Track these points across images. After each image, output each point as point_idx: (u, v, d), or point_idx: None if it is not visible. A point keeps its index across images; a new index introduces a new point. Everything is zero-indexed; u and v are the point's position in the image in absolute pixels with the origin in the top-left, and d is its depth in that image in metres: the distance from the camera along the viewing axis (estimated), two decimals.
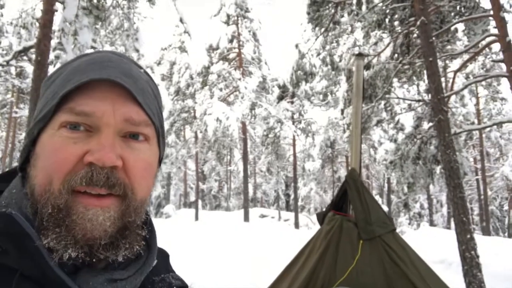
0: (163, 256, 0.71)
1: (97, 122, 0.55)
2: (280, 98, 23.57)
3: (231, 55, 23.67)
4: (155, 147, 0.62)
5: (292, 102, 23.88)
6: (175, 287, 0.69)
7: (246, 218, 20.31)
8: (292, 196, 35.43)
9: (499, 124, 10.35)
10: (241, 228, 14.92)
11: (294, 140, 25.09)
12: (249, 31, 23.76)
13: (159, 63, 28.16)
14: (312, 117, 25.62)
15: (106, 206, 0.54)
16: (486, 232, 24.05)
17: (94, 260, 0.54)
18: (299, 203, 27.69)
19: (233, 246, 10.82)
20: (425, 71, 9.00)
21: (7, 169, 0.68)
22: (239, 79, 21.56)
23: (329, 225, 2.91)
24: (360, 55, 3.34)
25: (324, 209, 3.43)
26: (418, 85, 12.74)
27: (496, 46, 8.42)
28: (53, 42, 6.45)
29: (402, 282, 2.60)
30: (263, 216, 27.37)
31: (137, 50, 11.20)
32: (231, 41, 23.44)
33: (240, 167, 32.97)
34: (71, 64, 0.62)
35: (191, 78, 25.08)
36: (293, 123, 24.22)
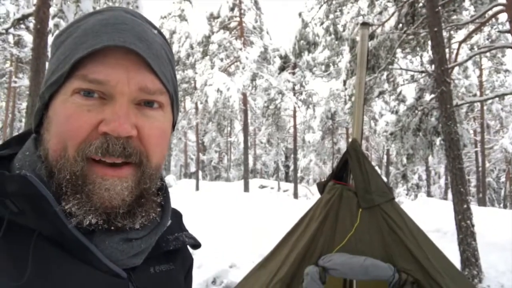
0: (176, 216, 0.73)
1: (111, 90, 0.54)
2: (282, 69, 23.29)
3: (232, 24, 23.20)
4: (169, 113, 0.62)
5: (293, 73, 23.63)
6: (188, 245, 0.72)
7: (246, 188, 20.57)
8: (291, 167, 35.70)
9: (502, 96, 10.29)
10: (241, 198, 15.14)
11: (294, 111, 25.02)
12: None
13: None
14: (314, 89, 25.44)
15: (123, 176, 0.55)
16: (482, 203, 24.40)
17: (112, 227, 0.55)
18: (299, 174, 27.94)
19: (234, 216, 11.02)
20: (429, 42, 8.86)
21: (9, 137, 0.68)
22: (240, 49, 21.23)
23: (330, 194, 2.97)
24: (365, 24, 3.28)
25: (324, 179, 3.48)
26: (421, 56, 12.57)
27: (503, 16, 8.26)
28: (52, 10, 6.30)
29: (400, 248, 2.68)
30: (262, 186, 27.70)
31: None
32: (232, 9, 22.90)
33: (240, 139, 33.02)
34: (82, 22, 0.59)
35: (191, 47, 24.69)
36: (294, 95, 24.06)
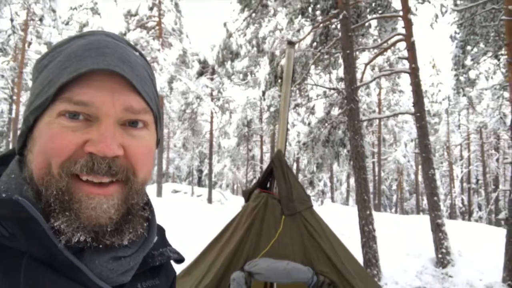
0: (160, 231, 0.74)
1: (97, 112, 0.55)
2: (200, 73, 23.20)
3: (150, 24, 22.48)
4: (153, 131, 0.64)
5: (212, 79, 23.69)
6: (173, 260, 0.74)
7: (159, 193, 19.98)
8: (204, 172, 35.56)
9: (397, 115, 11.58)
10: (154, 203, 14.67)
11: (211, 117, 25.07)
12: (171, 1, 22.75)
13: (66, 23, 25.58)
14: (231, 95, 25.74)
15: (109, 194, 0.55)
16: (377, 208, 27.03)
17: (100, 246, 0.56)
18: (213, 179, 27.97)
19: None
20: (340, 61, 9.66)
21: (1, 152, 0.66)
22: (158, 50, 20.66)
23: (255, 202, 3.10)
24: (291, 43, 3.52)
25: (249, 187, 3.61)
26: (330, 74, 13.61)
27: (402, 45, 9.38)
28: None
29: (317, 252, 2.91)
30: (175, 191, 27.14)
31: (53, 11, 10.04)
32: (151, 8, 22.20)
33: None
34: (65, 47, 0.60)
35: None
36: (212, 100, 24.13)
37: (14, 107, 22.37)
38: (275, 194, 3.16)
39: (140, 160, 0.59)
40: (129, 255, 0.60)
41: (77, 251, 0.55)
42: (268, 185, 3.35)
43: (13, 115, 22.33)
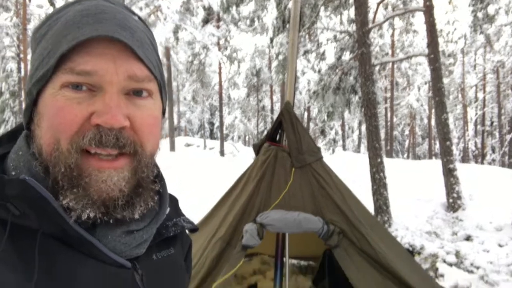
0: (173, 201, 0.74)
1: (100, 81, 0.54)
2: (206, 21, 22.46)
3: None
4: (158, 100, 0.62)
5: (218, 27, 22.98)
6: (187, 230, 0.74)
7: (172, 147, 20.25)
8: (216, 125, 35.72)
9: (411, 57, 11.18)
10: (168, 158, 14.94)
11: (220, 67, 24.65)
12: None
13: None
14: (239, 44, 25.13)
15: (119, 167, 0.55)
16: (389, 154, 27.09)
17: (111, 220, 0.56)
18: (224, 131, 28.12)
19: (164, 176, 10.89)
20: (351, 1, 9.18)
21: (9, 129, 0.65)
22: None
23: (265, 155, 3.09)
24: None
25: (260, 139, 3.60)
26: (341, 15, 13.02)
27: None
28: None
29: (328, 202, 2.93)
30: (188, 145, 27.47)
31: None
32: None
33: None
34: (61, 14, 0.57)
35: None
36: (219, 50, 23.59)
37: (22, 65, 22.29)
38: (285, 147, 3.14)
39: (147, 131, 0.58)
40: (142, 229, 0.60)
41: (90, 227, 0.55)
42: (277, 138, 3.33)
43: (22, 73, 22.32)
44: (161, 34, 19.17)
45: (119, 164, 0.55)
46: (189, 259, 0.81)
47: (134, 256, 0.60)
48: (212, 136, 37.06)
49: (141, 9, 20.59)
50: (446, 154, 7.21)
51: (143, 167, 0.58)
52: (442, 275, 4.85)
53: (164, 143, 23.38)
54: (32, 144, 0.57)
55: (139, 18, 0.63)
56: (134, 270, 0.60)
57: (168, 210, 0.68)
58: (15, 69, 24.83)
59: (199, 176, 11.24)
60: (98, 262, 0.55)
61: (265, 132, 3.45)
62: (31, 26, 22.05)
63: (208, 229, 3.05)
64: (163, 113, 0.66)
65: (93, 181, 0.53)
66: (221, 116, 24.35)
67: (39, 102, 0.56)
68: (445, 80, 27.78)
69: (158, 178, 0.66)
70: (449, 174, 7.16)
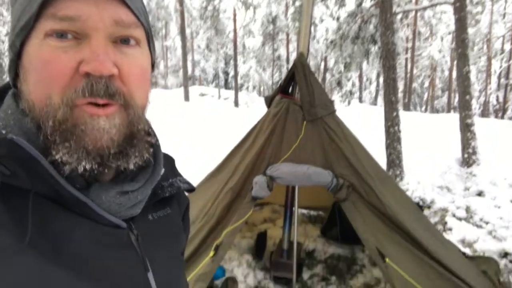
0: (169, 160, 0.73)
1: (84, 27, 0.52)
2: None
3: None
4: (146, 50, 0.60)
5: None
6: (184, 190, 0.74)
7: (187, 97, 20.22)
8: (231, 74, 35.27)
9: (435, 5, 10.58)
10: (183, 108, 14.98)
11: (234, 14, 23.86)
12: None
13: None
14: None
15: (110, 114, 0.54)
16: (406, 107, 26.56)
17: (106, 170, 0.55)
18: (239, 81, 27.80)
19: (177, 126, 10.99)
20: None
21: None
22: None
23: (277, 108, 3.06)
24: None
25: (273, 91, 3.55)
26: None
27: None
28: None
29: (338, 156, 2.93)
30: (202, 94, 27.40)
31: None
32: None
33: (177, 43, 31.31)
34: None
35: None
36: None
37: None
38: (297, 100, 3.10)
39: (135, 82, 0.56)
40: (137, 189, 0.60)
41: (83, 187, 0.55)
42: (290, 91, 3.27)
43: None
44: None
45: (110, 110, 0.54)
46: (186, 219, 0.81)
47: (129, 217, 0.60)
48: (226, 86, 36.75)
49: None
50: (464, 109, 7.02)
51: (136, 119, 0.57)
52: (450, 229, 4.92)
53: (179, 92, 23.36)
54: (21, 101, 0.56)
55: None
56: (129, 230, 0.60)
57: (163, 170, 0.67)
58: None
59: (213, 126, 11.31)
60: (93, 222, 0.55)
61: (279, 83, 3.38)
62: None
63: (219, 179, 3.11)
64: (152, 66, 0.64)
65: (88, 129, 0.52)
66: (235, 66, 23.97)
67: (23, 55, 0.54)
68: (471, 30, 26.40)
69: (151, 134, 0.65)
70: (466, 129, 7.02)
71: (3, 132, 0.54)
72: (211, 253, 2.56)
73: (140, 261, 0.61)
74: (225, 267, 3.67)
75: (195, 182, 3.46)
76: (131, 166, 0.57)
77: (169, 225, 0.71)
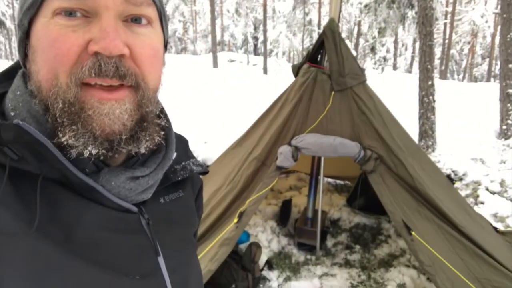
0: (182, 143, 0.72)
1: (94, 5, 0.50)
2: None
3: None
4: (159, 30, 0.58)
5: None
6: (197, 173, 0.72)
7: (215, 63, 20.12)
8: (260, 39, 34.63)
9: None
10: (211, 74, 14.96)
11: None
12: None
13: None
14: None
15: (120, 98, 0.52)
16: (443, 75, 25.38)
17: (116, 155, 0.54)
18: (268, 47, 27.28)
19: (205, 93, 11.03)
20: None
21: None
22: None
23: (304, 77, 2.99)
24: None
25: (300, 60, 3.45)
26: None
27: None
28: None
29: (367, 128, 2.86)
30: (231, 60, 27.16)
31: None
32: None
33: (206, 8, 30.83)
34: None
35: None
36: None
37: None
38: (325, 69, 3.00)
39: (147, 62, 0.54)
40: (147, 174, 0.59)
41: (93, 171, 0.55)
42: (318, 59, 3.17)
43: None
44: None
45: (120, 95, 0.52)
46: (199, 200, 0.80)
47: (140, 201, 0.60)
48: (256, 51, 36.20)
49: None
50: (506, 78, 6.62)
51: (146, 102, 0.55)
52: (482, 203, 4.78)
53: (207, 58, 23.26)
54: (29, 81, 0.54)
55: None
56: (140, 214, 0.60)
57: (175, 154, 0.65)
58: None
59: (241, 93, 11.26)
60: (103, 207, 0.54)
61: (308, 51, 3.28)
62: None
63: (245, 147, 3.12)
64: (165, 46, 0.62)
65: (96, 114, 0.50)
66: (265, 31, 23.47)
67: (31, 34, 0.53)
68: None
69: (164, 116, 0.63)
70: (506, 99, 6.65)
71: (12, 114, 0.54)
72: (235, 220, 2.62)
73: (150, 245, 0.60)
74: (249, 232, 3.75)
75: (221, 150, 3.49)
76: (142, 150, 0.56)
77: (182, 207, 0.70)
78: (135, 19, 0.53)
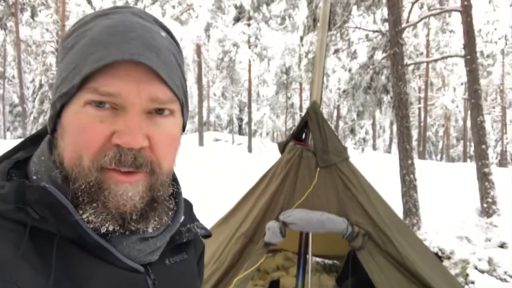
0: (187, 205, 0.75)
1: (123, 101, 0.55)
2: (237, 19, 22.60)
3: None
4: (179, 117, 0.63)
5: (249, 25, 23.04)
6: (200, 236, 0.76)
7: (201, 142, 20.53)
8: (245, 120, 35.86)
9: (446, 58, 10.80)
10: (197, 153, 15.15)
11: (249, 64, 24.70)
12: None
13: None
14: (269, 42, 25.00)
15: (134, 182, 0.56)
16: (422, 156, 26.30)
17: (126, 232, 0.58)
18: (252, 127, 28.20)
19: (191, 171, 11.07)
20: (384, 0, 8.97)
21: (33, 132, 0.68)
22: None
23: (290, 154, 3.09)
24: None
25: (282, 139, 3.59)
26: (374, 14, 12.73)
27: None
28: None
29: (353, 204, 2.90)
30: (217, 140, 27.76)
31: None
32: None
33: (194, 91, 32.27)
34: (89, 27, 0.59)
35: None
36: (249, 47, 23.64)
37: None
38: (310, 146, 3.13)
39: (164, 150, 0.59)
40: (156, 236, 0.62)
41: (105, 233, 0.58)
42: (303, 137, 3.31)
43: None
44: (193, 31, 19.43)
45: (134, 179, 0.57)
46: (201, 263, 0.82)
47: (147, 262, 0.63)
48: (240, 131, 37.25)
49: (174, 7, 20.93)
50: (481, 158, 6.94)
51: (158, 186, 0.59)
52: (472, 282, 4.69)
53: (193, 137, 23.74)
54: (55, 150, 0.60)
55: (167, 31, 0.63)
56: (146, 274, 0.62)
57: (182, 218, 0.69)
58: (54, 63, 25.91)
59: (226, 171, 11.34)
60: (112, 266, 0.58)
61: (292, 129, 3.43)
62: (69, 23, 22.91)
63: (231, 224, 3.09)
64: (183, 128, 0.67)
65: (111, 195, 0.55)
66: (249, 112, 24.43)
67: (62, 116, 0.58)
68: (483, 81, 26.61)
69: (174, 184, 0.67)
70: (484, 178, 6.89)
71: (34, 178, 0.59)
72: None
73: None
74: None
75: (207, 227, 3.43)
76: (150, 230, 0.60)
77: (186, 270, 0.72)
78: (158, 110, 0.58)
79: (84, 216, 0.55)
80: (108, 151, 0.55)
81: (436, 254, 5.07)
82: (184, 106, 0.64)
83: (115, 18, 0.58)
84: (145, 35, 0.57)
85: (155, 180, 0.59)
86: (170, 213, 0.64)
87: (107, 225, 0.55)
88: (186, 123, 0.68)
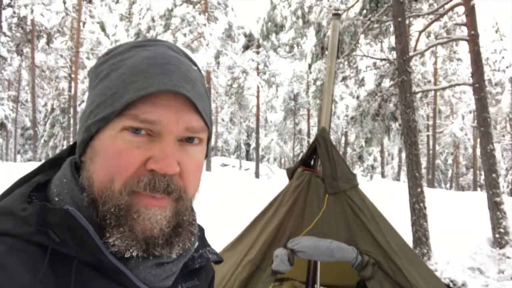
0: (200, 231, 0.76)
1: (161, 129, 0.57)
2: (246, 47, 23.09)
3: None
4: (205, 146, 0.65)
5: (257, 52, 23.50)
6: (212, 262, 0.76)
7: (208, 167, 20.56)
8: (252, 146, 35.97)
9: (454, 86, 10.86)
10: (204, 178, 15.15)
11: (258, 91, 25.03)
12: None
13: (117, 1, 26.36)
14: (277, 69, 25.41)
15: (163, 206, 0.58)
16: (431, 184, 25.97)
17: (150, 257, 0.58)
18: (260, 153, 28.23)
19: (199, 195, 11.02)
20: (391, 29, 9.13)
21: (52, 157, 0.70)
22: (204, 25, 20.72)
23: (298, 180, 3.08)
24: (337, 15, 3.36)
25: (290, 165, 3.59)
26: (381, 43, 12.93)
27: (460, 9, 8.64)
28: None
29: (362, 232, 2.86)
30: (224, 165, 27.79)
31: None
32: None
33: None
34: (127, 56, 0.61)
35: (153, 20, 23.77)
36: (258, 74, 24.01)
37: (73, 84, 23.75)
38: (319, 173, 3.12)
39: (191, 178, 0.61)
40: (172, 261, 0.62)
41: (122, 256, 0.58)
42: (312, 163, 3.31)
43: (72, 92, 23.74)
44: (203, 59, 19.85)
45: (163, 203, 0.58)
46: None
47: (162, 287, 0.63)
48: (248, 157, 37.29)
49: (185, 35, 21.51)
50: (492, 187, 6.83)
51: (184, 211, 0.61)
52: None
53: None
54: (81, 172, 0.61)
55: (196, 66, 0.67)
56: None
57: (197, 244, 0.70)
58: (67, 88, 26.49)
59: (233, 196, 11.29)
60: None
61: (301, 155, 3.44)
62: (83, 49, 23.57)
63: (239, 250, 3.05)
64: (206, 155, 0.69)
65: (140, 218, 0.56)
66: (257, 138, 24.53)
67: (95, 138, 0.60)
68: (492, 109, 26.53)
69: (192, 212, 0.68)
70: (495, 207, 6.76)
71: (56, 199, 0.60)
72: None
73: None
74: None
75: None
76: (174, 256, 0.61)
77: None
78: (189, 138, 0.61)
79: (110, 240, 0.55)
80: (142, 177, 0.56)
81: (448, 285, 4.92)
82: (210, 134, 0.66)
83: (153, 50, 0.61)
84: (182, 68, 0.60)
85: (181, 205, 0.60)
86: (192, 239, 0.64)
87: (131, 250, 0.56)
88: (209, 151, 0.70)
